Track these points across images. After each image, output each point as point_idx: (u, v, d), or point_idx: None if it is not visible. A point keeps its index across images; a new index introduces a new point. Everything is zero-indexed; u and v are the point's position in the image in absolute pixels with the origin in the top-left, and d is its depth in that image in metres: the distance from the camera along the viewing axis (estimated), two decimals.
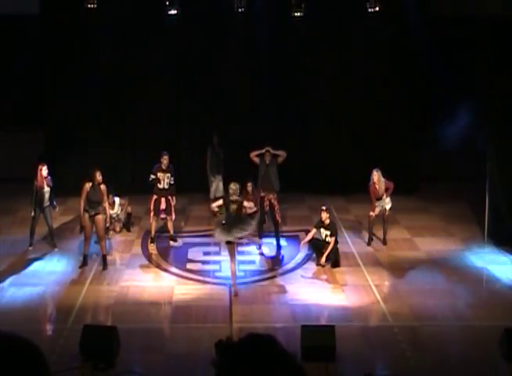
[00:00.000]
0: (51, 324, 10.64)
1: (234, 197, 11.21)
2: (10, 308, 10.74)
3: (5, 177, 16.88)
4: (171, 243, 13.75)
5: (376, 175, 13.41)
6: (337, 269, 12.48)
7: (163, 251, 13.48)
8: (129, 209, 14.56)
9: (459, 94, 17.05)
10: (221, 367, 2.00)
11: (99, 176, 12.29)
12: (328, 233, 12.59)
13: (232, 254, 11.31)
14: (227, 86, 17.18)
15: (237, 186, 11.35)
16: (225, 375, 1.99)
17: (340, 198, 16.54)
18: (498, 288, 11.71)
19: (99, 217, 12.31)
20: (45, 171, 12.94)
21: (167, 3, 16.12)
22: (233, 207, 11.18)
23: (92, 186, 12.28)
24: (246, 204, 11.49)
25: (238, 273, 11.89)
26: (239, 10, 16.15)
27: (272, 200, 13.39)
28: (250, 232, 11.64)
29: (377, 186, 13.42)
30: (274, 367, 1.94)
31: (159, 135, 16.95)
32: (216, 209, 11.72)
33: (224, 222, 11.19)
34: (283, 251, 13.49)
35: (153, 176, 13.42)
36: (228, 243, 11.33)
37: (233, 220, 11.16)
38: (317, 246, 12.74)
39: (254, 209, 12.26)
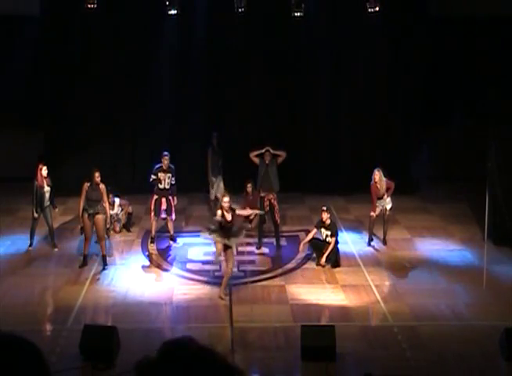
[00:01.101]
0: (51, 324, 10.63)
1: (229, 217, 11.08)
2: (10, 308, 10.74)
3: (5, 177, 16.89)
4: (171, 243, 13.75)
5: (377, 175, 13.41)
6: (337, 269, 12.49)
7: (163, 251, 13.49)
8: (130, 209, 14.56)
9: (458, 94, 17.07)
10: None
11: (97, 177, 12.29)
12: (328, 233, 12.59)
13: (228, 260, 11.24)
14: (227, 86, 17.18)
15: (228, 198, 11.17)
16: None
17: (340, 198, 16.54)
18: (498, 288, 11.70)
19: (99, 217, 12.31)
20: (44, 171, 12.94)
21: (167, 3, 16.12)
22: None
23: (91, 185, 12.29)
24: (239, 212, 11.37)
25: (238, 274, 11.93)
26: (239, 10, 16.15)
27: (272, 200, 13.39)
28: (243, 235, 11.56)
29: (379, 186, 13.42)
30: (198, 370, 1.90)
31: (159, 135, 16.95)
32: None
33: (217, 234, 11.20)
34: (282, 251, 13.49)
35: (153, 176, 13.42)
36: (226, 247, 11.24)
37: (224, 234, 11.14)
38: (317, 246, 12.74)
39: (252, 212, 12.18)
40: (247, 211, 11.79)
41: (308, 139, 17.32)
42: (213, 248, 12.27)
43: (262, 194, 13.43)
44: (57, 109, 16.99)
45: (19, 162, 16.67)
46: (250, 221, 14.22)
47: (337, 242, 12.65)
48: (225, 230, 11.12)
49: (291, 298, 11.29)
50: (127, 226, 14.52)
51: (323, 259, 12.49)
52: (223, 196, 11.38)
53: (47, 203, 13.07)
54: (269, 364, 9.39)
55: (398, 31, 16.98)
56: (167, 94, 17.21)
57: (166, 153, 13.49)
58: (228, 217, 11.07)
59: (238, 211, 11.36)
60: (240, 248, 13.21)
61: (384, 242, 13.76)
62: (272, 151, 13.42)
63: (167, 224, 13.75)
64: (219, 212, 11.08)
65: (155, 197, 13.45)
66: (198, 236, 13.98)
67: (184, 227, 14.77)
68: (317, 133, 17.34)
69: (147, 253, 13.35)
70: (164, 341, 1.96)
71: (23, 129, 17.38)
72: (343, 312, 10.77)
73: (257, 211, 12.86)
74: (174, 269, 12.57)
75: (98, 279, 12.02)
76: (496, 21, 16.97)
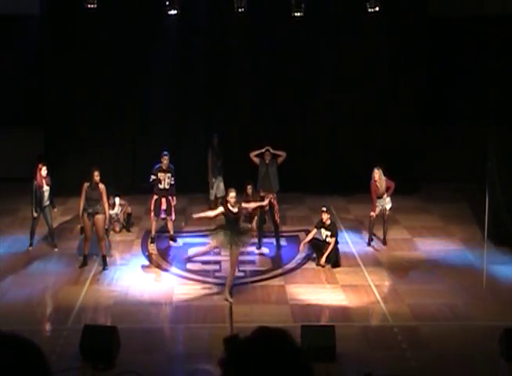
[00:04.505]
0: (51, 324, 10.63)
1: (235, 209, 11.13)
2: (10, 308, 10.75)
3: (5, 177, 16.89)
4: (171, 243, 13.75)
5: (377, 173, 13.41)
6: (337, 269, 12.49)
7: (163, 251, 13.48)
8: (129, 209, 14.56)
9: (459, 94, 17.06)
10: (229, 366, 1.94)
11: (96, 176, 12.28)
12: (328, 233, 12.60)
13: (233, 263, 11.20)
14: (227, 86, 17.18)
15: (235, 193, 11.23)
16: (232, 374, 1.94)
17: (340, 198, 16.53)
18: (498, 288, 11.71)
19: (99, 217, 12.30)
20: (44, 171, 12.94)
21: (167, 3, 16.12)
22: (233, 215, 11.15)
23: (90, 185, 12.29)
24: (244, 205, 11.41)
25: (238, 274, 11.92)
26: (239, 10, 16.15)
27: (272, 200, 13.39)
28: (248, 243, 11.54)
29: (378, 184, 13.42)
30: (283, 366, 1.91)
31: (159, 135, 16.95)
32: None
33: (224, 231, 11.15)
34: (282, 251, 13.49)
35: (153, 176, 13.43)
36: (231, 248, 11.18)
37: (232, 230, 11.10)
38: (317, 246, 12.74)
39: (259, 204, 12.19)
40: (254, 204, 11.83)
41: (308, 139, 17.32)
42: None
43: (262, 194, 13.44)
44: (57, 108, 16.98)
45: (19, 162, 16.67)
46: (251, 221, 14.23)
47: (336, 242, 12.65)
48: (231, 225, 11.10)
49: (291, 298, 11.29)
50: (126, 226, 14.52)
51: (323, 259, 12.49)
52: (230, 191, 11.35)
53: (46, 202, 13.07)
54: None
55: (398, 31, 16.98)
56: (168, 94, 17.20)
57: (165, 152, 13.51)
58: (235, 210, 11.10)
59: (244, 205, 11.37)
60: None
61: (384, 242, 13.76)
62: (272, 151, 13.43)
63: (166, 224, 13.76)
64: (220, 209, 11.25)
65: (155, 197, 13.46)
66: (197, 236, 14.04)
67: (184, 227, 14.77)
68: (317, 133, 17.34)
69: (147, 253, 13.35)
70: (259, 327, 1.99)
71: (23, 129, 17.38)
72: (343, 312, 10.77)
73: (263, 203, 12.83)
74: (174, 269, 12.57)
75: (98, 279, 12.02)
76: (497, 21, 16.95)
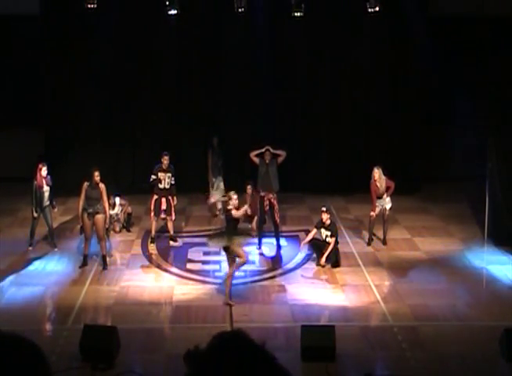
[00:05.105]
0: (51, 324, 10.64)
1: (230, 207, 11.02)
2: (10, 308, 10.75)
3: (5, 177, 16.89)
4: (171, 243, 13.75)
5: (377, 173, 13.40)
6: (337, 269, 12.49)
7: (163, 251, 13.48)
8: (129, 209, 14.57)
9: (459, 94, 17.07)
10: None
11: (96, 176, 12.28)
12: (328, 233, 12.59)
13: (231, 266, 11.10)
14: (227, 86, 17.18)
15: (235, 197, 11.08)
16: None
17: (340, 198, 16.53)
18: (498, 288, 11.71)
19: (99, 217, 12.29)
20: (44, 171, 12.94)
21: (167, 3, 16.11)
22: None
23: (90, 185, 12.29)
24: (234, 213, 10.98)
25: (238, 274, 11.91)
26: (239, 10, 16.15)
27: (272, 200, 13.39)
28: (246, 241, 11.44)
29: (378, 184, 13.41)
30: (247, 369, 1.90)
31: (159, 135, 16.96)
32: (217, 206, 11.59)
33: (219, 231, 11.02)
34: (282, 251, 13.49)
35: (153, 176, 13.44)
36: (226, 252, 11.04)
37: (230, 230, 11.04)
38: (317, 246, 12.74)
39: (246, 210, 11.85)
40: (242, 211, 11.37)
41: (308, 138, 17.32)
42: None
43: (262, 194, 13.43)
44: (57, 109, 16.99)
45: (19, 162, 16.67)
46: (251, 221, 14.23)
47: (336, 242, 12.65)
48: (227, 227, 11.05)
49: (291, 298, 11.29)
50: (126, 226, 14.52)
51: (323, 259, 12.49)
52: (234, 194, 11.18)
53: (46, 203, 13.07)
54: None
55: (398, 31, 16.98)
56: (167, 93, 17.20)
57: (166, 152, 13.53)
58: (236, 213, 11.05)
59: (234, 212, 11.12)
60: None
61: (384, 242, 13.76)
62: (272, 151, 13.42)
63: (166, 224, 13.75)
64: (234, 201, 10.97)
65: (155, 196, 13.47)
66: (197, 236, 14.03)
67: (184, 227, 14.77)
68: (317, 133, 17.35)
69: (147, 253, 13.35)
70: (214, 335, 1.98)
71: (23, 129, 17.38)
72: (343, 312, 10.76)
73: (246, 209, 11.76)
74: (174, 269, 12.57)
75: (98, 279, 12.03)
76: (497, 21, 16.96)
